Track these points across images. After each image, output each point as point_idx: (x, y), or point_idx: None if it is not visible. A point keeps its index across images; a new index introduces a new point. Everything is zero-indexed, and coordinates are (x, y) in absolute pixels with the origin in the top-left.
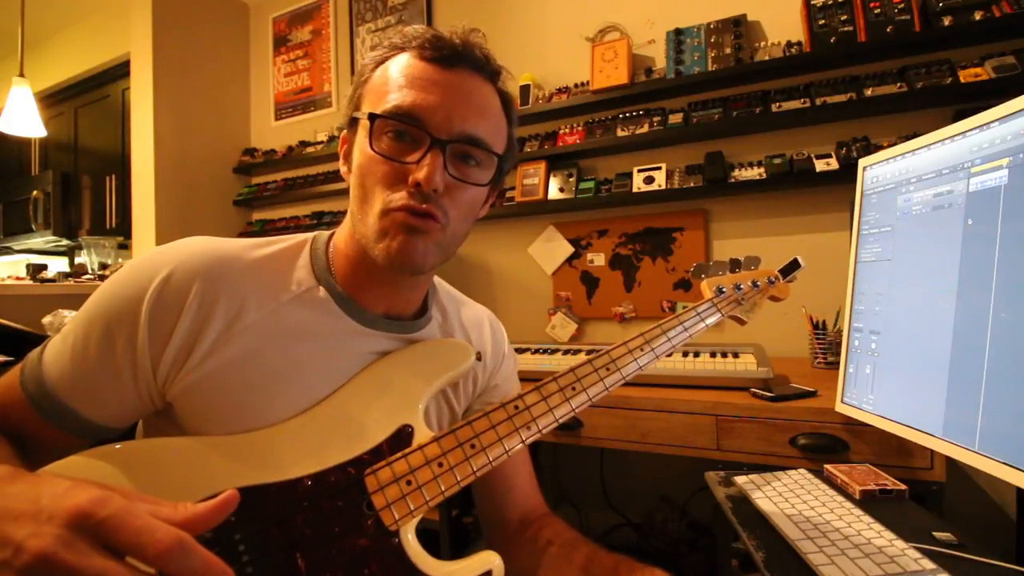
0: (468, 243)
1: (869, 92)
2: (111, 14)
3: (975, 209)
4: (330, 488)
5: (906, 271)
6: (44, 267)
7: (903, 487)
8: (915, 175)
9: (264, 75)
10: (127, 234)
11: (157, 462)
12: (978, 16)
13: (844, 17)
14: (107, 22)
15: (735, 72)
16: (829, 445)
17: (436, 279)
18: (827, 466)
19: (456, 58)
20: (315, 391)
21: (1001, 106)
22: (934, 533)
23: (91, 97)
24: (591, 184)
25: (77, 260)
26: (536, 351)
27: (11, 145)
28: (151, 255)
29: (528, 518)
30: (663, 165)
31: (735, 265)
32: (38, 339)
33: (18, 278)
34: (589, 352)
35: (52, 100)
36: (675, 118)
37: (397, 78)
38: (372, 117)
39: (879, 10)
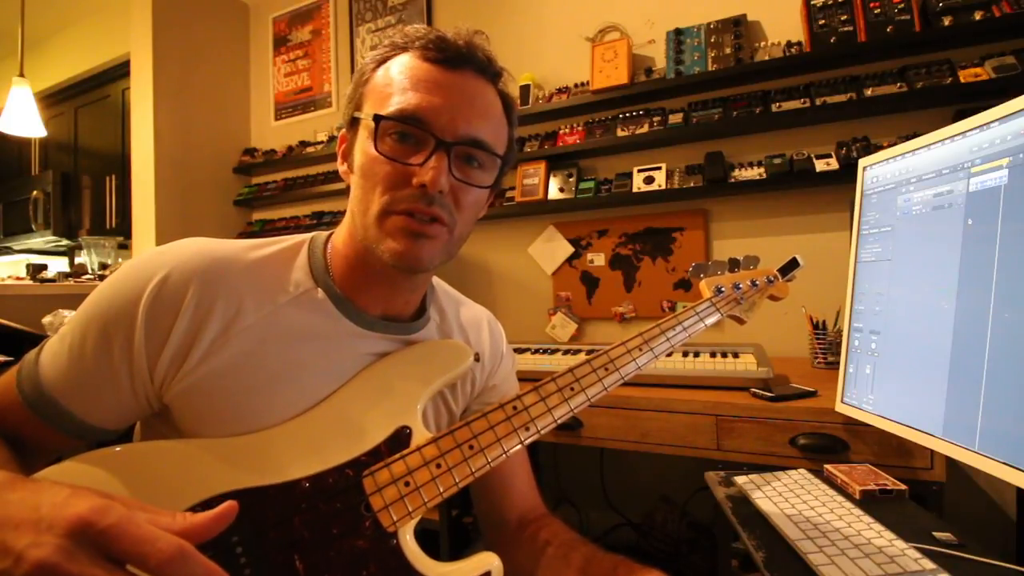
0: (468, 243)
1: (869, 92)
2: (111, 14)
3: (975, 209)
4: (328, 490)
5: (906, 271)
6: (44, 267)
7: (903, 487)
8: (915, 175)
9: (264, 75)
10: (127, 234)
11: (155, 465)
12: (978, 16)
13: (844, 17)
14: (107, 22)
15: (735, 72)
16: (829, 445)
17: (435, 279)
18: (827, 466)
19: (460, 60)
20: (313, 393)
21: (1001, 106)
22: (934, 533)
23: (91, 97)
24: (591, 184)
25: (77, 260)
26: (536, 351)
27: (11, 145)
28: (148, 256)
29: (526, 518)
30: (663, 165)
31: (734, 265)
32: (38, 339)
33: (18, 278)
34: (589, 352)
35: (52, 100)
36: (675, 118)
37: (401, 79)
38: (377, 119)
39: (879, 10)
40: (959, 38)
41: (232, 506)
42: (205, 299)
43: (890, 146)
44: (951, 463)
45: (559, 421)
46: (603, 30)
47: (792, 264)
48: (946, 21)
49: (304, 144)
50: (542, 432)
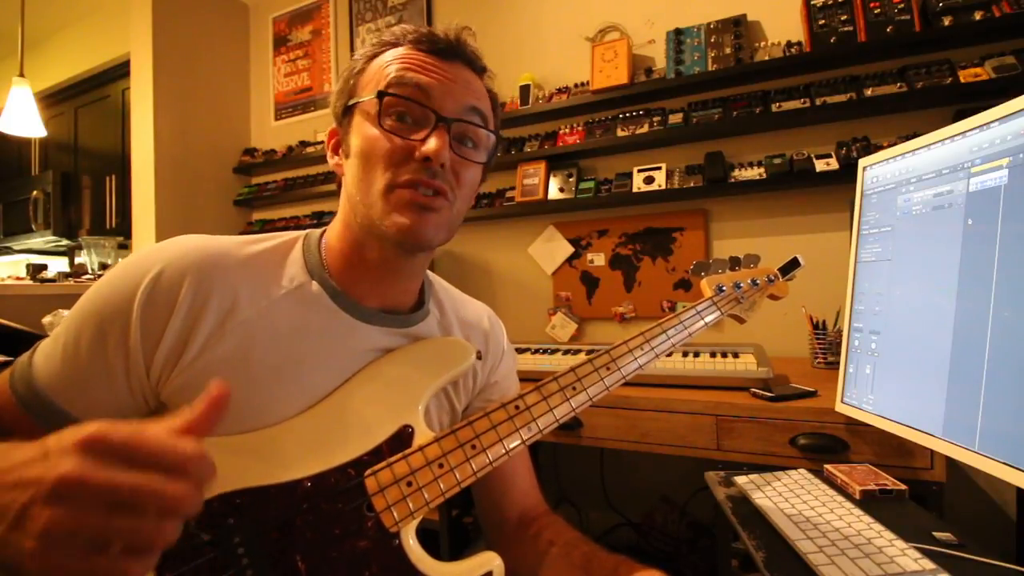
0: (468, 243)
1: (869, 92)
2: (111, 14)
3: (975, 209)
4: (330, 490)
5: (906, 271)
6: (44, 267)
7: (903, 487)
8: (915, 175)
9: (264, 75)
10: (127, 234)
11: None
12: (978, 16)
13: (844, 17)
14: (107, 22)
15: (735, 72)
16: (829, 445)
17: (432, 275)
18: (827, 466)
19: (451, 52)
20: (312, 389)
21: (1001, 106)
22: (934, 533)
23: (91, 97)
24: (591, 184)
25: (77, 260)
26: (536, 351)
27: (11, 145)
28: (142, 254)
29: (528, 516)
30: (663, 165)
31: (735, 263)
32: (38, 339)
33: (18, 278)
34: (589, 352)
35: (52, 100)
36: (675, 118)
37: (397, 64)
38: (381, 95)
39: (879, 10)
40: (959, 38)
41: (221, 390)
42: (200, 293)
43: (890, 146)
44: (951, 463)
45: (561, 420)
46: (603, 30)
47: (793, 264)
48: (946, 21)
49: (304, 144)
50: (544, 432)
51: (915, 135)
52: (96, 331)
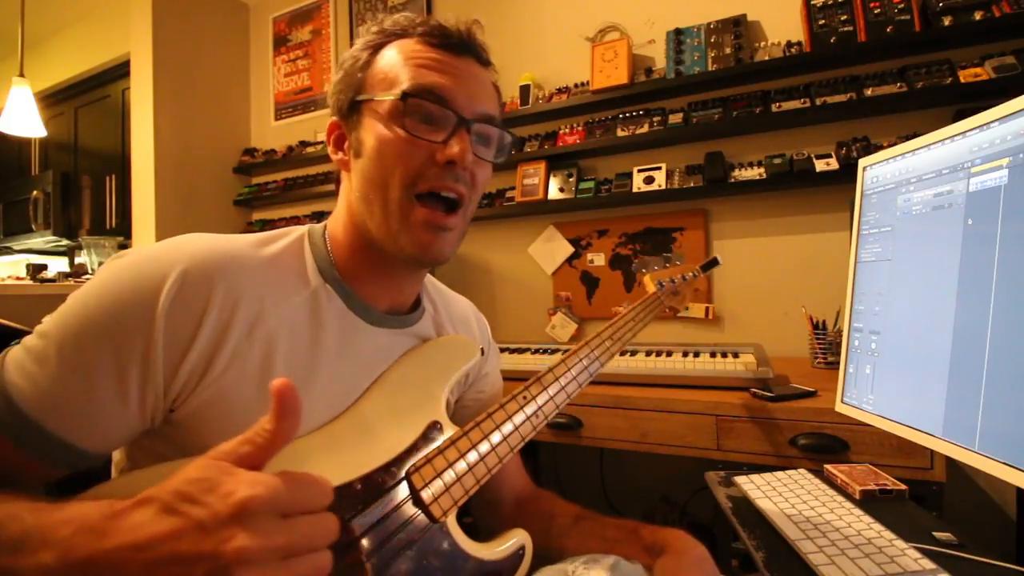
0: (468, 243)
1: (869, 92)
2: (111, 14)
3: (975, 209)
4: (379, 488)
5: (906, 271)
6: (44, 267)
7: (903, 487)
8: (915, 175)
9: (264, 75)
10: (127, 234)
11: None
12: (978, 16)
13: (844, 17)
14: (107, 22)
15: (735, 72)
16: (829, 445)
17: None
18: (827, 466)
19: (462, 47)
20: (336, 396)
21: (1001, 106)
22: (934, 533)
23: (91, 97)
24: (591, 184)
25: (77, 260)
26: (536, 351)
27: (11, 145)
28: (150, 254)
29: (522, 496)
30: (663, 165)
31: (667, 261)
32: None
33: (18, 278)
34: None
35: (52, 100)
36: (675, 118)
37: (411, 61)
38: (405, 96)
39: (879, 10)
40: (959, 38)
41: (286, 386)
42: (228, 301)
43: (890, 146)
44: (951, 463)
45: (561, 407)
46: (603, 30)
47: (712, 262)
48: (946, 21)
49: (304, 144)
50: (549, 417)
51: (915, 135)
52: (103, 345)
